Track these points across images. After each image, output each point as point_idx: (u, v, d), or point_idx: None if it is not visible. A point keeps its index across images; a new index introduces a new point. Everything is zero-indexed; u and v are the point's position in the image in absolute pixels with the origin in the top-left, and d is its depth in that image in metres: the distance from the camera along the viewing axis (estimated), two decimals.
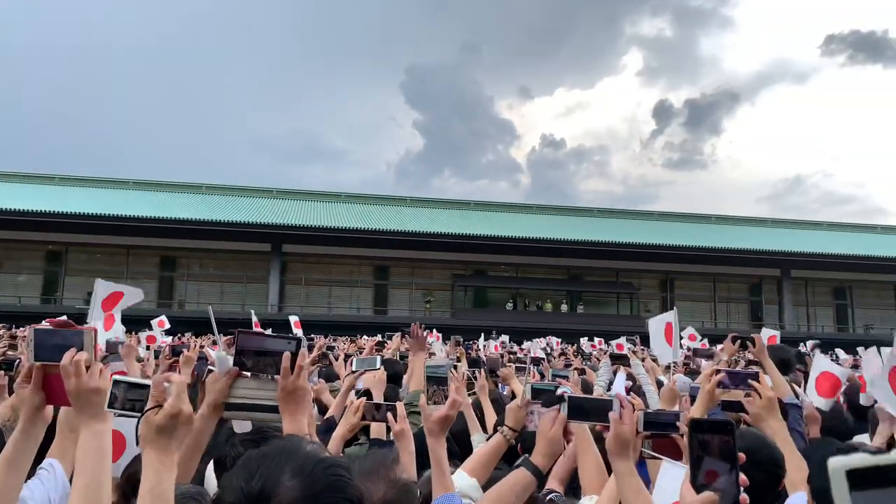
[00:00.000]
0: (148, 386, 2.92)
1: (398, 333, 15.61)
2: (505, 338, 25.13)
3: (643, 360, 10.21)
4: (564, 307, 61.91)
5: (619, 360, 10.00)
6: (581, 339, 29.37)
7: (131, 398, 2.95)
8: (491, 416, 6.88)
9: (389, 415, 4.54)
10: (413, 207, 67.74)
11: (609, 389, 8.85)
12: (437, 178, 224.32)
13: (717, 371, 4.94)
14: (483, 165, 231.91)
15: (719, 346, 11.43)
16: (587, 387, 6.46)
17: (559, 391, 4.50)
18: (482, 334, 25.51)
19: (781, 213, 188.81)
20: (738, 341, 8.88)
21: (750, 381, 4.78)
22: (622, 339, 16.81)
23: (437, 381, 4.63)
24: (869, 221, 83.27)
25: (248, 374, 3.24)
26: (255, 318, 14.45)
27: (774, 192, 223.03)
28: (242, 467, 2.43)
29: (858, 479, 0.97)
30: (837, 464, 0.98)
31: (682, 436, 3.98)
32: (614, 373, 9.43)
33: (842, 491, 0.97)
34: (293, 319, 18.56)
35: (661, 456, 3.98)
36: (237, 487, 2.38)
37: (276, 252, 59.28)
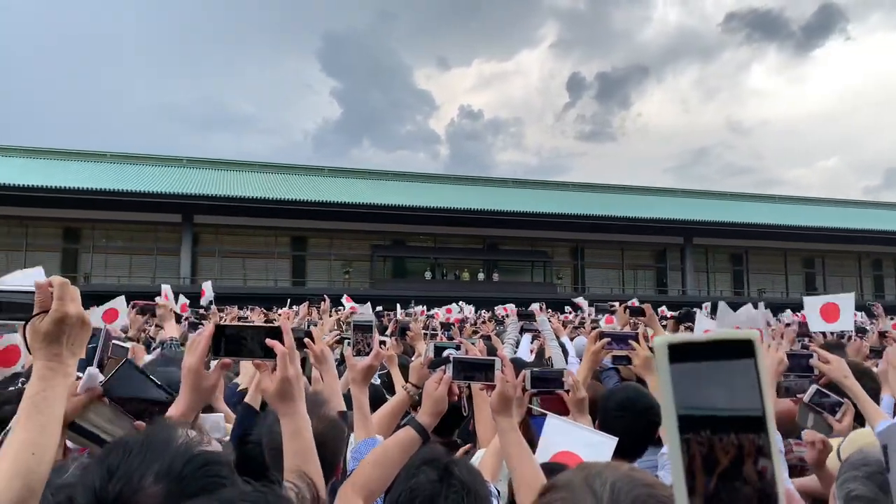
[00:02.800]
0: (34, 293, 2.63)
1: (306, 303, 15.54)
2: (421, 307, 26.58)
3: (549, 318, 10.53)
4: (481, 276, 61.87)
5: (525, 317, 10.10)
6: (496, 308, 29.34)
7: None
8: (399, 382, 6.83)
9: (307, 340, 4.50)
10: (331, 177, 66.56)
11: (517, 349, 9.28)
12: (357, 149, 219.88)
13: (602, 334, 5.33)
14: (402, 136, 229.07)
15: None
16: (491, 351, 6.25)
17: (445, 352, 4.84)
18: (397, 304, 25.98)
19: (686, 184, 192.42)
20: (628, 310, 9.48)
21: (630, 341, 5.22)
22: (534, 305, 17.18)
23: (361, 330, 4.83)
24: (766, 192, 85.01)
25: (107, 401, 3.00)
26: (165, 289, 13.91)
27: (680, 163, 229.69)
28: (100, 463, 2.16)
29: (677, 353, 1.17)
30: (661, 340, 1.17)
31: (567, 391, 4.62)
32: (522, 332, 9.77)
33: (663, 362, 1.17)
34: (205, 285, 19.30)
35: (547, 412, 4.30)
36: (91, 488, 2.10)
37: (188, 223, 57.28)
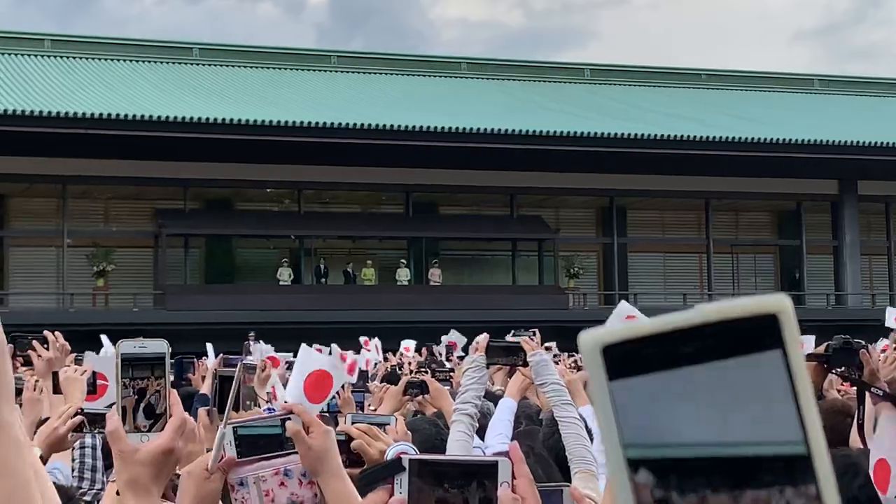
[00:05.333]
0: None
1: None
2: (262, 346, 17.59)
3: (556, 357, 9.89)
4: (405, 275, 42.40)
5: (503, 352, 6.33)
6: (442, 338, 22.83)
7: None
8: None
9: None
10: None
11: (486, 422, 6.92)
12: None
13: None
14: None
15: None
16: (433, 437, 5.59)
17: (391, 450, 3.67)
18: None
19: (839, 65, 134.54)
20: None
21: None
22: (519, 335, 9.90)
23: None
24: None
25: None
26: None
27: (825, 22, 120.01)
28: None
29: (620, 359, 0.75)
30: (590, 339, 0.76)
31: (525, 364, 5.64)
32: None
33: (598, 376, 0.75)
34: None
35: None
36: None
37: None
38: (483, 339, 6.37)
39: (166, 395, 2.72)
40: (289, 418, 2.94)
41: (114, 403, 2.97)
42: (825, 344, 5.64)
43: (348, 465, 3.74)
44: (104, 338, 13.09)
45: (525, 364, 5.53)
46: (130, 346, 2.98)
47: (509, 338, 12.96)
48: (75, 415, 4.92)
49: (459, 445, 5.12)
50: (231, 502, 3.41)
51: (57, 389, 5.79)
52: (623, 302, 14.33)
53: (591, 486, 4.82)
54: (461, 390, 5.95)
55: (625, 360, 0.71)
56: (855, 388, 5.46)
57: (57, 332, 6.63)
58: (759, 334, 0.69)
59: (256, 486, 3.24)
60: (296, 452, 2.95)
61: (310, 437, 2.87)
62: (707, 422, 0.70)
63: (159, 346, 3.08)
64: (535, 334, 15.61)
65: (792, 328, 0.69)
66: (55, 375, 5.84)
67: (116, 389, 3.00)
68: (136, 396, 3.04)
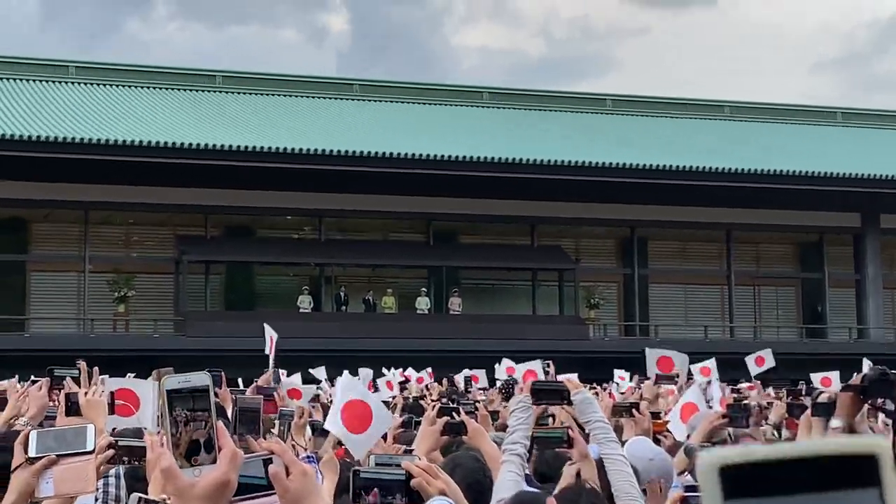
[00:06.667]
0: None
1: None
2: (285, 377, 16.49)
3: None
4: (424, 304, 41.94)
5: (546, 396, 6.15)
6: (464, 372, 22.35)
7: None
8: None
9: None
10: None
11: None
12: (140, 22, 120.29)
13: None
14: None
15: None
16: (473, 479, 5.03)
17: None
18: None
19: (861, 97, 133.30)
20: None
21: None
22: (536, 363, 14.65)
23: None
24: None
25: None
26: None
27: (850, 52, 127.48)
28: None
29: (735, 480, 0.80)
30: (709, 459, 0.80)
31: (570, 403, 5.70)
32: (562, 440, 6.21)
33: (713, 495, 0.80)
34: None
35: None
36: None
37: None
38: (528, 380, 7.11)
39: (213, 427, 2.69)
40: (270, 459, 2.90)
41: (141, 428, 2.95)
42: (861, 374, 5.53)
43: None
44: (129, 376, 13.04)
45: (569, 403, 5.59)
46: (175, 381, 2.94)
47: (531, 366, 12.91)
48: (108, 446, 4.93)
49: (511, 486, 5.14)
50: None
51: (71, 412, 5.75)
52: (652, 350, 14.80)
53: None
54: (509, 430, 5.98)
55: (739, 481, 0.76)
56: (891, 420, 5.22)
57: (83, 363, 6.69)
58: (861, 471, 0.73)
59: None
60: (274, 493, 2.93)
61: (288, 480, 2.82)
62: None
63: (202, 378, 3.04)
64: (549, 366, 15.18)
65: (890, 471, 0.73)
66: (68, 397, 5.81)
67: (164, 425, 2.95)
68: (182, 431, 2.99)
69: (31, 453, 3.39)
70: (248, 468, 2.86)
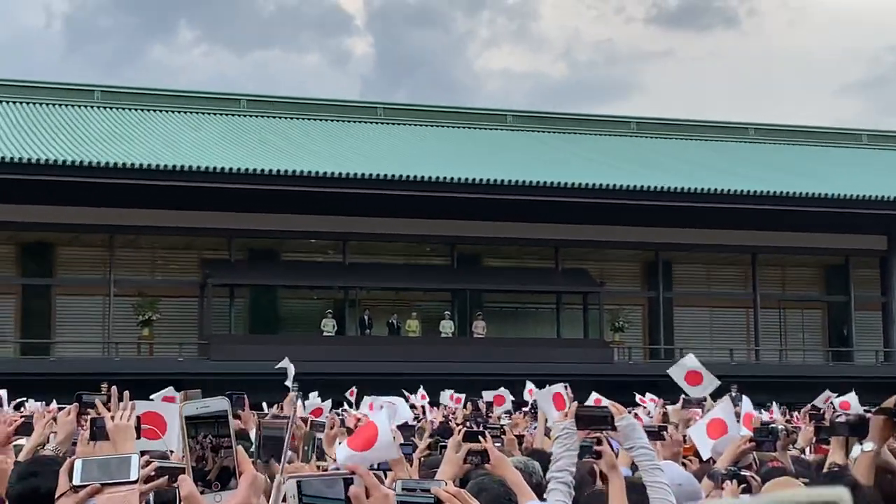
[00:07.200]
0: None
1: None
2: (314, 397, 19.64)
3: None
4: (448, 327, 41.74)
5: (591, 422, 5.95)
6: (484, 393, 22.06)
7: None
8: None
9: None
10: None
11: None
12: (164, 47, 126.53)
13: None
14: (263, 21, 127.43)
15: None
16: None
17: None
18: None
19: (885, 120, 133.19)
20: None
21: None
22: (559, 386, 12.82)
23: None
24: None
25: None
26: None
27: (876, 74, 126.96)
28: None
29: None
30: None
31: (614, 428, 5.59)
32: (590, 449, 6.29)
33: None
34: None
35: None
36: None
37: None
38: (573, 405, 6.34)
39: (233, 452, 2.72)
40: (351, 479, 2.87)
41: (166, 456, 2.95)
42: (894, 398, 5.45)
43: None
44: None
45: (614, 429, 5.47)
46: (193, 407, 3.00)
47: (555, 389, 12.51)
48: (157, 472, 4.90)
49: None
50: None
51: (95, 437, 5.63)
52: (690, 355, 13.85)
53: None
54: (554, 458, 5.95)
55: None
56: None
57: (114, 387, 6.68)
58: None
59: None
60: None
61: (369, 501, 2.82)
62: None
63: (221, 403, 3.09)
64: (566, 387, 14.59)
65: None
66: (93, 422, 5.72)
67: (184, 451, 3.01)
68: (210, 457, 3.05)
69: (76, 481, 3.40)
70: (329, 487, 2.87)
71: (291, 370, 18.10)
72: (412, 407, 18.82)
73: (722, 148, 46.97)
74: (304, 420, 10.07)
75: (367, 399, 16.32)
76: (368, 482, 3.00)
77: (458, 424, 13.99)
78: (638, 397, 19.83)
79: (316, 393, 22.57)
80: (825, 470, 5.94)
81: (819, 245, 42.32)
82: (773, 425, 9.96)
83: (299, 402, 15.04)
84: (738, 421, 9.74)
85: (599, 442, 6.32)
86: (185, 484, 2.72)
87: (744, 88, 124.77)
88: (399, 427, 10.75)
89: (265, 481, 3.29)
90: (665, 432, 8.01)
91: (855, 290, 43.68)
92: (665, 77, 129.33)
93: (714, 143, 47.74)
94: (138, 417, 5.76)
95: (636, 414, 16.35)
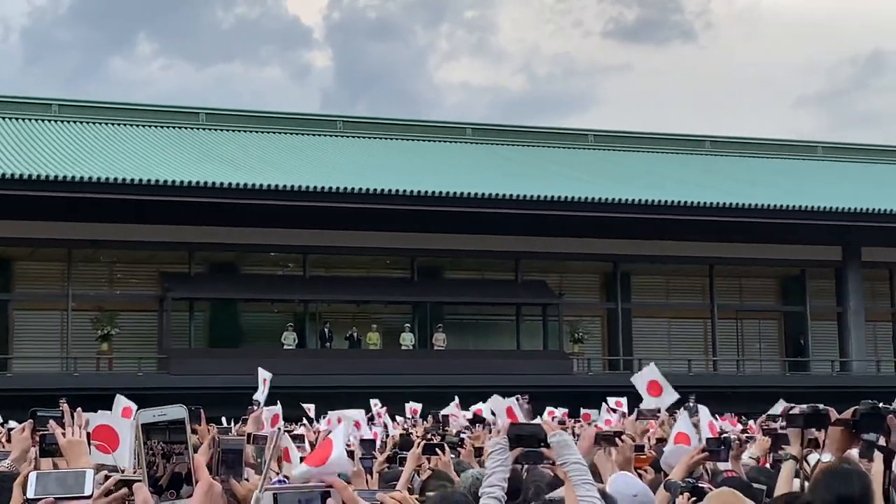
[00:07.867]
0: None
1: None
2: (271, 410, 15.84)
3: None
4: (408, 339, 41.56)
5: (524, 442, 5.79)
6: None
7: None
8: None
9: None
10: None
11: None
12: (123, 60, 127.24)
13: None
14: (223, 34, 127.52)
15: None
16: None
17: None
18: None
19: (842, 132, 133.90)
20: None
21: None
22: (512, 400, 12.23)
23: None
24: None
25: None
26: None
27: (831, 88, 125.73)
28: None
29: None
30: None
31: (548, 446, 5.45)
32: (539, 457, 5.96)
33: None
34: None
35: None
36: None
37: None
38: (505, 422, 6.88)
39: (189, 460, 2.73)
40: (329, 492, 2.99)
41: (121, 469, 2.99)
42: (852, 409, 5.47)
43: None
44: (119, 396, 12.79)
45: (547, 445, 5.43)
46: (149, 415, 3.00)
47: (508, 403, 12.56)
48: (117, 485, 4.93)
49: None
50: None
51: (45, 453, 5.75)
52: (652, 365, 13.78)
53: None
54: (487, 473, 5.96)
55: None
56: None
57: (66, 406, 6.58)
58: None
59: None
60: None
61: None
62: None
63: (178, 412, 3.09)
64: (520, 399, 15.12)
65: None
66: (43, 438, 5.79)
67: (139, 458, 3.02)
68: (160, 464, 3.05)
69: (30, 495, 3.39)
70: (307, 500, 2.97)
71: (268, 381, 18.16)
72: (371, 420, 18.83)
73: (680, 160, 47.23)
74: (249, 435, 10.07)
75: (331, 413, 16.27)
76: (345, 496, 3.11)
77: (418, 437, 14.03)
78: (615, 401, 19.85)
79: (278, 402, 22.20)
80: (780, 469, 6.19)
81: (776, 256, 42.62)
82: (725, 435, 10.10)
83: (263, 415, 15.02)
84: (696, 431, 9.80)
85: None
86: (141, 491, 2.72)
87: (702, 102, 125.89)
88: (361, 441, 10.82)
89: (221, 494, 3.38)
90: (619, 438, 8.03)
91: (811, 301, 44.00)
92: (623, 90, 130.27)
93: (672, 155, 47.97)
94: (88, 434, 5.76)
95: (596, 425, 16.62)
